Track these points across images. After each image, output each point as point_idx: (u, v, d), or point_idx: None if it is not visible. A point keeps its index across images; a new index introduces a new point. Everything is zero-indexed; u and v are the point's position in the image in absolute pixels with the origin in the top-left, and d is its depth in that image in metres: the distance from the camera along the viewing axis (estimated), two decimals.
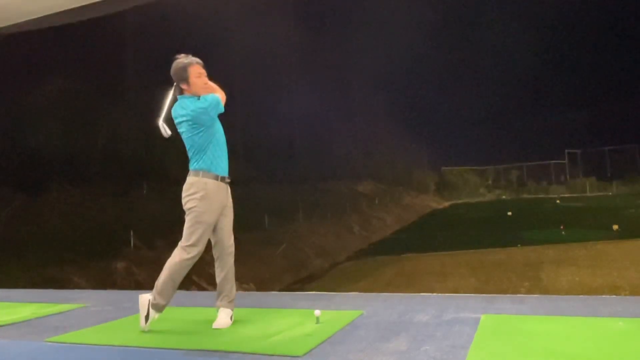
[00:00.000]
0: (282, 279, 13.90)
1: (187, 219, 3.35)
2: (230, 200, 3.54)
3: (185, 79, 3.36)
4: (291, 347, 2.89)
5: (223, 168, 3.44)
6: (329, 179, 26.29)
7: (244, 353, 2.85)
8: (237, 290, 3.61)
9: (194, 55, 3.50)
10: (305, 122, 23.86)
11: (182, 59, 3.42)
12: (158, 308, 3.38)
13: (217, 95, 3.39)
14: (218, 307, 3.50)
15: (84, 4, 5.44)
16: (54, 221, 13.35)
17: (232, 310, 3.52)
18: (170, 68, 3.45)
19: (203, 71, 3.41)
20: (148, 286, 3.54)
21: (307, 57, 25.52)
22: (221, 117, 3.50)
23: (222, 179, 3.43)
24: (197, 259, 3.38)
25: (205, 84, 3.41)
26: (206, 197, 3.32)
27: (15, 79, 14.32)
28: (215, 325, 3.42)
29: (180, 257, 3.33)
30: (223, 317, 3.46)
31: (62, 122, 14.89)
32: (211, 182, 3.35)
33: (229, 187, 3.55)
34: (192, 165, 3.39)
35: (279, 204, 19.21)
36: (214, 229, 3.46)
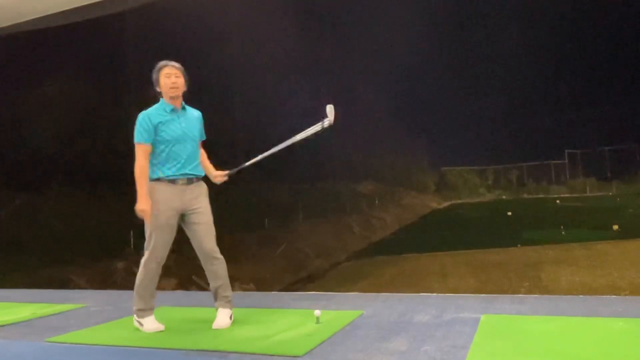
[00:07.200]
0: (282, 279, 13.88)
1: None
2: (197, 203, 3.48)
3: (157, 80, 3.44)
4: (291, 347, 2.90)
5: (172, 170, 3.41)
6: (329, 179, 26.25)
7: (244, 353, 2.86)
8: (237, 290, 3.61)
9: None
10: (306, 122, 23.83)
11: (159, 63, 3.46)
12: (139, 313, 3.45)
13: (139, 161, 3.35)
14: (217, 308, 3.51)
15: (84, 4, 5.44)
16: (54, 221, 13.34)
17: (231, 309, 3.52)
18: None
19: (173, 72, 3.42)
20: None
21: (307, 57, 25.52)
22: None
23: (172, 181, 3.41)
24: (159, 262, 3.42)
25: (174, 83, 3.41)
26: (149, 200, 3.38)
27: (15, 79, 14.32)
28: (215, 325, 3.43)
29: (142, 262, 3.43)
30: (222, 317, 3.46)
31: (62, 122, 14.88)
32: (155, 185, 3.39)
33: (195, 189, 3.49)
34: None
35: (279, 204, 19.20)
36: (190, 235, 3.47)
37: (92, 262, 11.84)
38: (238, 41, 19.56)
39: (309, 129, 3.46)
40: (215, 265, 3.47)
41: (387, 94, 34.93)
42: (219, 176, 3.67)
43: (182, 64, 3.48)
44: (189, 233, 3.49)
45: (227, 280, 3.53)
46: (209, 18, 15.76)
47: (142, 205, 3.32)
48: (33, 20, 5.84)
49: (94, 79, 15.83)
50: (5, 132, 14.15)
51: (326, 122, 3.46)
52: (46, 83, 15.17)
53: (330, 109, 3.47)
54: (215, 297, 3.53)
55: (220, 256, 3.49)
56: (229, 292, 3.52)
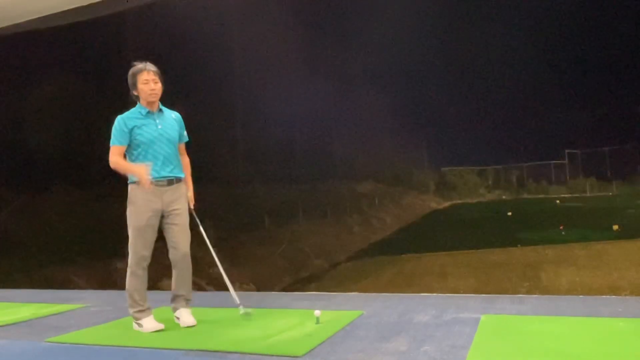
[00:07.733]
0: (282, 279, 13.88)
1: None
2: (176, 204, 3.49)
3: (134, 85, 3.45)
4: (291, 347, 2.90)
5: (152, 173, 3.42)
6: (329, 179, 26.23)
7: (244, 353, 2.86)
8: (237, 290, 3.63)
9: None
10: (306, 122, 23.83)
11: (136, 66, 3.46)
12: (137, 315, 3.46)
13: (112, 158, 3.44)
14: (176, 309, 3.55)
15: (84, 4, 5.45)
16: (55, 221, 13.33)
17: (190, 308, 3.57)
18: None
19: (151, 77, 3.42)
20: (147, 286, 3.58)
21: (307, 57, 25.48)
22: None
23: (151, 183, 3.42)
24: (142, 263, 3.42)
25: (152, 90, 3.41)
26: (130, 202, 3.44)
27: (14, 79, 14.32)
28: (183, 324, 3.47)
29: (128, 264, 3.44)
30: (187, 316, 3.51)
31: (62, 122, 14.86)
32: (135, 187, 3.43)
33: (175, 191, 3.50)
34: None
35: (279, 204, 19.18)
36: (166, 235, 3.49)
37: (92, 262, 11.83)
38: (238, 41, 19.55)
39: (233, 291, 3.54)
40: (186, 269, 3.51)
41: (388, 94, 34.83)
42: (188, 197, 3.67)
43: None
44: (165, 233, 3.50)
45: (190, 281, 3.57)
46: (209, 18, 15.75)
47: (140, 175, 3.31)
48: (33, 20, 5.85)
49: (94, 79, 15.82)
50: (5, 132, 14.14)
51: (241, 309, 3.55)
52: (46, 83, 15.16)
53: (250, 312, 3.57)
54: (176, 300, 3.56)
55: (190, 259, 3.52)
56: (189, 293, 3.57)
